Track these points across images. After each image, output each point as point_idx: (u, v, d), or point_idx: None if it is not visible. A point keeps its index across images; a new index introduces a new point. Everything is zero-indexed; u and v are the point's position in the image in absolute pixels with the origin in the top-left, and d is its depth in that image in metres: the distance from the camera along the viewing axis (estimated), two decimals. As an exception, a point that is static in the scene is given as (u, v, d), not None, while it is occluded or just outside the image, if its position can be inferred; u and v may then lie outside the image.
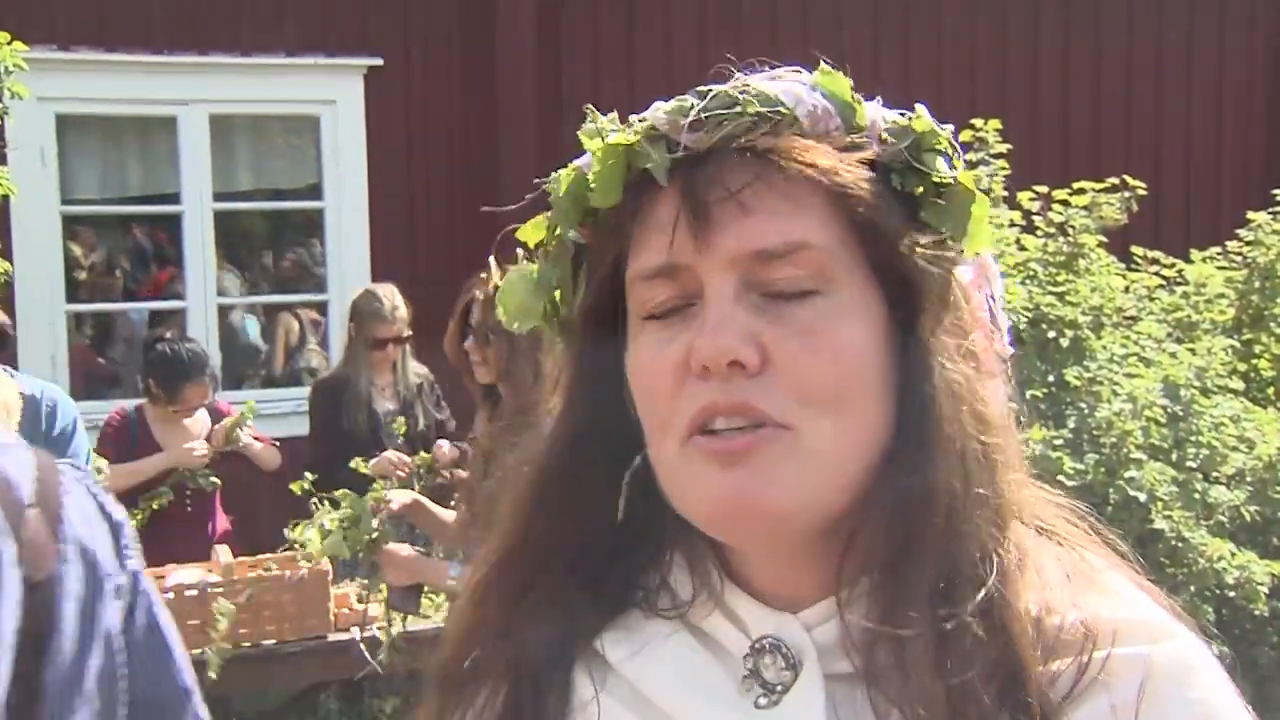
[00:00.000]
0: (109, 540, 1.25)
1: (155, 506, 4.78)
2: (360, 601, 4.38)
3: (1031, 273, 5.07)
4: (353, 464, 4.35)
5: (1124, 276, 5.37)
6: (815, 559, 0.85)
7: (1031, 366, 4.72)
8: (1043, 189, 5.29)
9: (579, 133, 0.90)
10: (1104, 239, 5.23)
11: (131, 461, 4.78)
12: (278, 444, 5.16)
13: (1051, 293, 4.98)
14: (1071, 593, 0.83)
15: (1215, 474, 4.73)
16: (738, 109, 0.85)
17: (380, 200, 6.94)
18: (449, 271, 4.50)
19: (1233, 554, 4.40)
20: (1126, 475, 4.44)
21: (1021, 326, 4.78)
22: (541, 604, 0.91)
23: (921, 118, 0.88)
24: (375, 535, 3.42)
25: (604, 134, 0.89)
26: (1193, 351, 5.11)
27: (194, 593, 4.16)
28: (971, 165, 5.12)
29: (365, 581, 4.36)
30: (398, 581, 3.43)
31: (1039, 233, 5.22)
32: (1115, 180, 5.27)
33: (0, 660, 1.10)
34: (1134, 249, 5.71)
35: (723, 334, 0.81)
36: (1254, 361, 5.58)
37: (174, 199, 6.77)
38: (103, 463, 4.34)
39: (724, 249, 0.83)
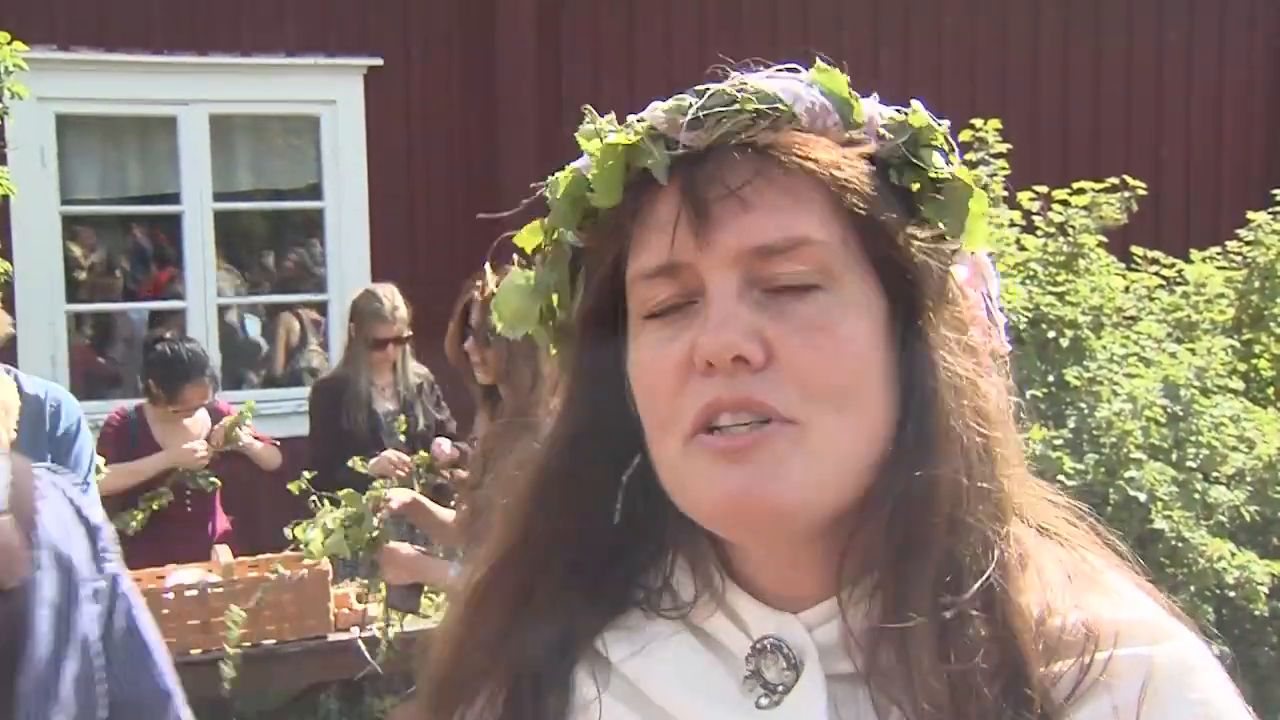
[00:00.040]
0: (86, 544, 1.25)
1: (155, 506, 4.78)
2: (360, 601, 4.38)
3: (1031, 273, 5.07)
4: (351, 463, 4.36)
5: (1124, 276, 5.37)
6: (817, 558, 0.85)
7: (1031, 366, 4.72)
8: (1043, 189, 5.29)
9: (576, 134, 0.90)
10: (1104, 239, 5.23)
11: (131, 461, 4.78)
12: (278, 443, 5.16)
13: (1051, 293, 4.98)
14: (1073, 594, 0.83)
15: (1215, 474, 4.72)
16: (736, 106, 0.85)
17: (380, 200, 6.94)
18: (449, 271, 4.50)
19: (1233, 554, 4.39)
20: (1126, 475, 4.44)
21: (1021, 326, 4.78)
22: (542, 604, 0.91)
23: (918, 113, 0.89)
24: (375, 534, 3.42)
25: (602, 135, 0.89)
26: (1193, 351, 5.11)
27: (194, 593, 4.16)
28: (971, 165, 5.13)
29: (365, 581, 4.37)
30: (398, 580, 3.43)
31: (1039, 233, 5.22)
32: (1115, 180, 5.27)
33: None
34: (1134, 249, 5.71)
35: (726, 330, 0.81)
36: (1254, 361, 5.58)
37: (174, 199, 6.77)
38: (100, 461, 4.34)
39: (725, 246, 0.83)
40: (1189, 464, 4.67)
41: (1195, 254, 5.78)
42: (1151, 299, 5.57)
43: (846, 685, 0.84)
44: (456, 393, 4.80)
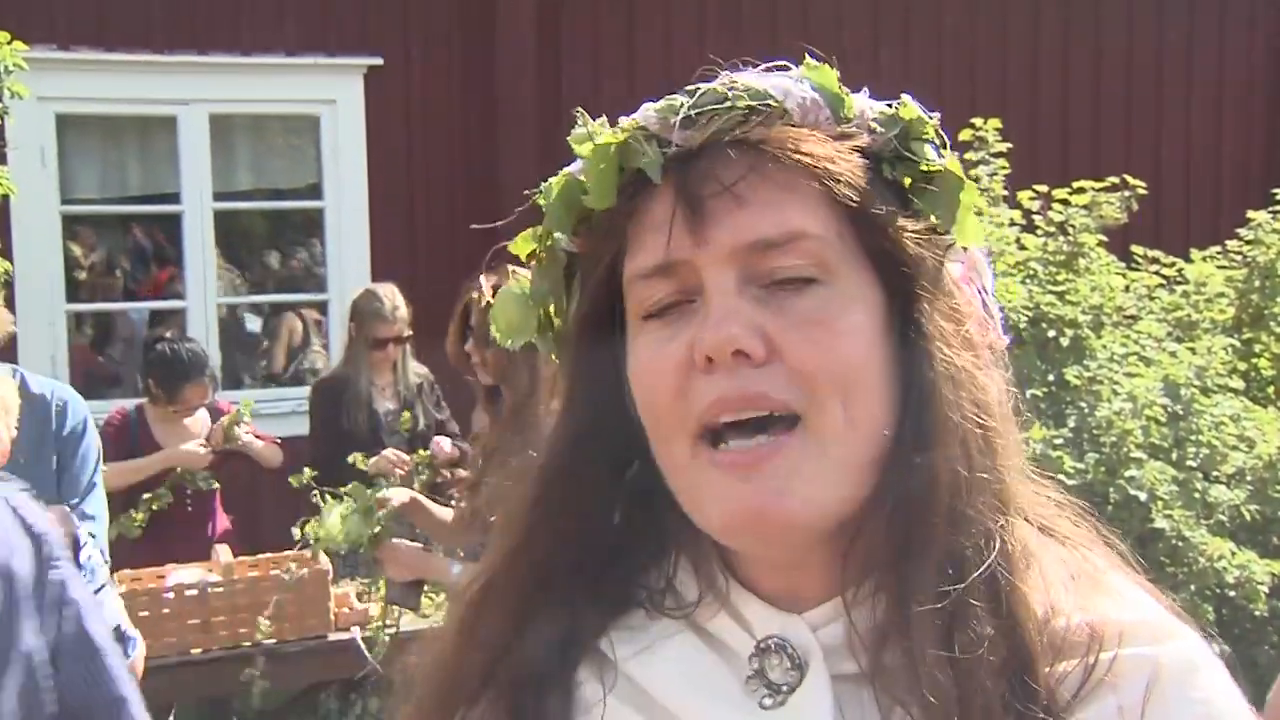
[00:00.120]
0: (30, 554, 1.24)
1: (155, 507, 4.78)
2: (360, 600, 4.38)
3: (1031, 272, 5.07)
4: (351, 459, 4.36)
5: (1124, 276, 5.37)
6: (821, 559, 0.85)
7: (1032, 366, 4.72)
8: (1043, 188, 5.29)
9: (569, 138, 0.90)
10: (1104, 238, 5.23)
11: (131, 460, 4.78)
12: (279, 442, 5.16)
13: (1051, 292, 4.98)
14: (1077, 594, 0.83)
15: (1215, 473, 4.73)
16: (728, 104, 0.85)
17: (380, 200, 6.94)
18: (449, 271, 4.50)
19: (1233, 553, 4.40)
20: (1127, 474, 4.44)
21: (1021, 326, 4.78)
22: (544, 605, 0.91)
23: (908, 106, 0.89)
24: (376, 532, 3.42)
25: (594, 138, 0.89)
26: (1193, 351, 5.11)
27: (194, 593, 4.16)
28: (971, 165, 5.13)
29: (365, 580, 4.37)
30: (399, 577, 3.43)
31: (1039, 232, 5.22)
32: (1115, 180, 5.27)
33: None
34: (1134, 248, 5.71)
35: (726, 325, 0.81)
36: (1254, 361, 5.58)
37: (174, 199, 6.76)
38: (99, 460, 4.35)
39: (722, 242, 0.83)
40: (1189, 463, 4.68)
41: (1195, 253, 5.79)
42: (1152, 298, 5.57)
43: (851, 685, 0.83)
44: (456, 393, 4.80)
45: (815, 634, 0.85)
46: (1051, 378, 4.76)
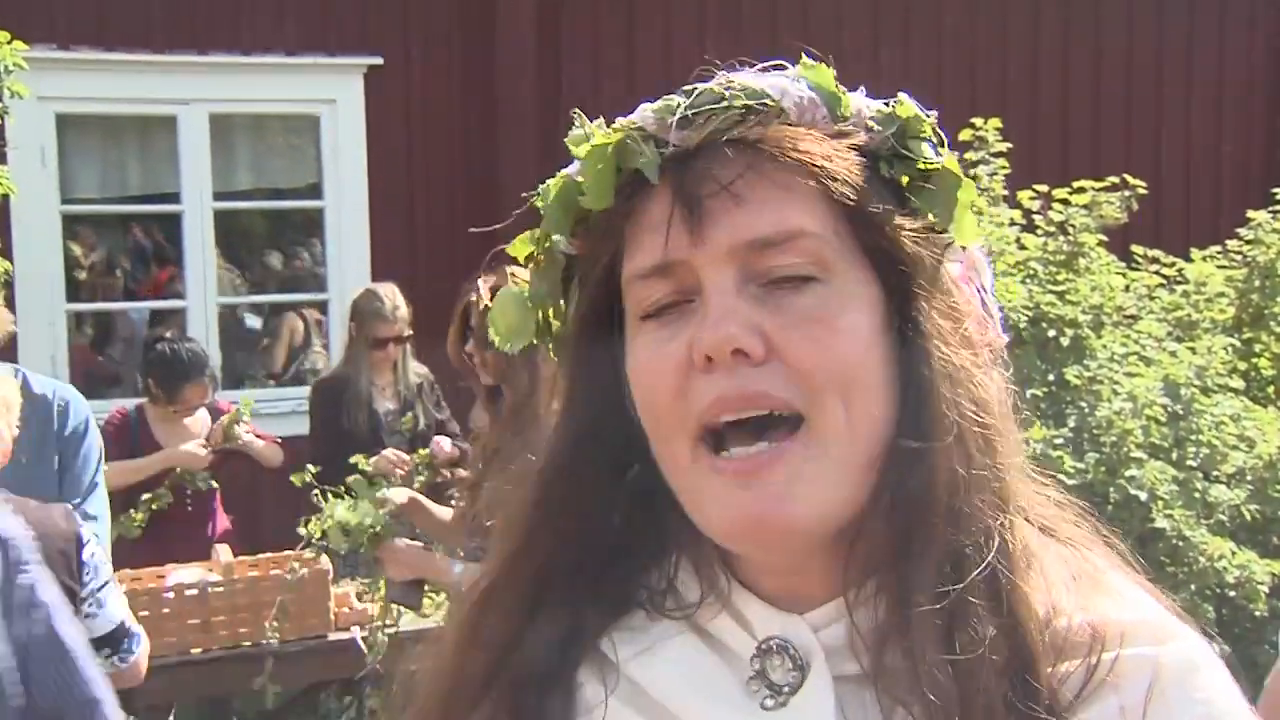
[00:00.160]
0: None
1: (155, 507, 4.78)
2: (360, 600, 4.38)
3: (1031, 272, 5.07)
4: (353, 459, 4.36)
5: (1124, 275, 5.37)
6: (822, 561, 0.85)
7: (1032, 366, 4.72)
8: (1043, 188, 5.29)
9: (566, 140, 0.90)
10: (1104, 238, 5.23)
11: (130, 459, 4.78)
12: (279, 441, 5.16)
13: (1052, 292, 4.98)
14: (1078, 594, 0.83)
15: (1215, 473, 4.73)
16: (724, 103, 0.85)
17: (380, 200, 6.94)
18: (449, 271, 4.50)
19: (1233, 553, 4.40)
20: (1127, 474, 4.45)
21: (1022, 325, 4.78)
22: (546, 608, 0.91)
23: (905, 104, 0.89)
24: (377, 531, 3.41)
25: (591, 139, 0.89)
26: (1193, 350, 5.11)
27: (194, 592, 4.16)
28: (971, 165, 5.13)
29: (366, 580, 4.37)
30: (400, 577, 3.43)
31: (1039, 232, 5.22)
32: (1115, 179, 5.27)
33: None
34: (1134, 248, 5.71)
35: (725, 323, 0.81)
36: (1254, 360, 5.58)
37: (174, 199, 6.76)
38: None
39: (720, 242, 0.83)
40: (1189, 463, 4.68)
41: (1195, 253, 5.79)
42: (1152, 298, 5.57)
43: (853, 686, 0.83)
44: (456, 393, 4.80)
45: (817, 635, 0.85)
46: (1051, 378, 4.77)
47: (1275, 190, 5.93)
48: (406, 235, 6.95)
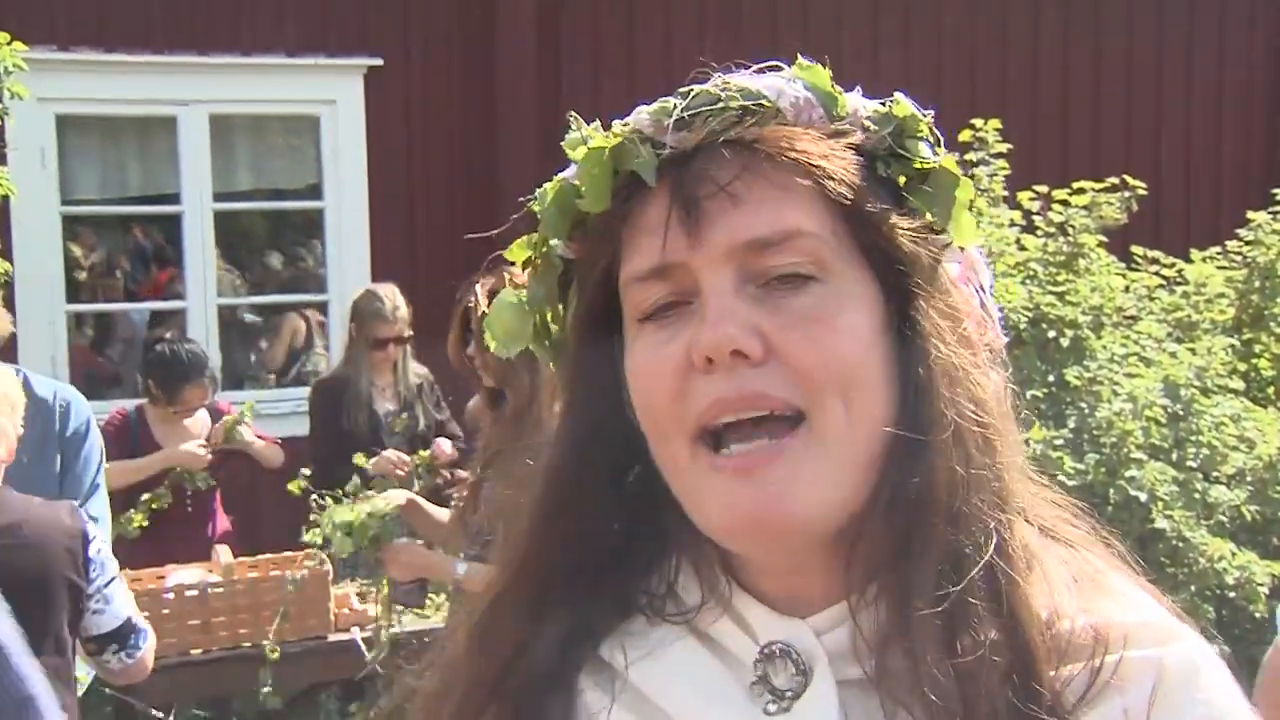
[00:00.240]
0: None
1: (155, 506, 4.78)
2: (362, 601, 4.38)
3: (1031, 272, 5.07)
4: (355, 459, 4.36)
5: (1124, 276, 5.37)
6: (823, 563, 0.85)
7: (1031, 366, 4.72)
8: (1043, 189, 5.29)
9: (563, 144, 0.90)
10: (1104, 239, 5.23)
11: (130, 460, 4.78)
12: (279, 442, 5.16)
13: (1051, 292, 4.98)
14: (1080, 596, 0.83)
15: (1215, 474, 4.73)
16: (720, 105, 0.85)
17: (380, 200, 6.94)
18: (449, 272, 4.49)
19: (1233, 554, 4.40)
20: (1127, 475, 4.45)
21: (1021, 326, 4.78)
22: (548, 614, 0.91)
23: (901, 104, 0.89)
24: (378, 533, 3.41)
25: (588, 141, 0.89)
26: (1193, 351, 5.12)
27: (194, 593, 4.16)
28: (971, 165, 5.13)
29: (366, 582, 4.37)
30: (403, 578, 3.43)
31: (1039, 232, 5.23)
32: (1115, 180, 5.27)
33: None
34: (1134, 249, 5.71)
35: (724, 324, 0.80)
36: (1254, 361, 5.58)
37: (174, 199, 6.76)
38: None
39: (717, 243, 0.83)
40: (1189, 464, 4.68)
41: (1195, 254, 5.79)
42: (1152, 299, 5.57)
43: (856, 691, 0.83)
44: (456, 393, 4.80)
45: (820, 639, 0.85)
46: (1051, 378, 4.77)
47: (1275, 191, 5.93)
48: (406, 236, 6.95)
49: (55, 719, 1.36)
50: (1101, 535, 0.90)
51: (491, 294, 2.98)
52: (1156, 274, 5.67)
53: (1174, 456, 4.67)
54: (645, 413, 0.86)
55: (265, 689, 3.99)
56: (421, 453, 4.72)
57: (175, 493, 4.83)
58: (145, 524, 4.72)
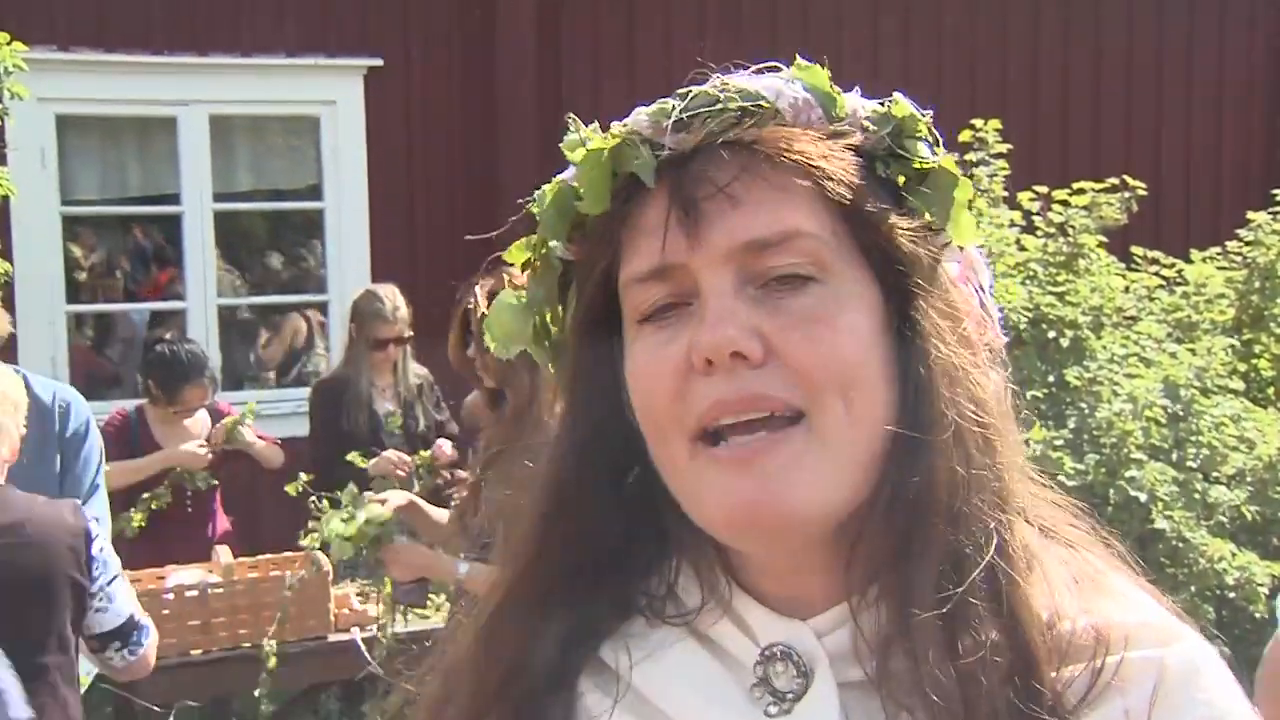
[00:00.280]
0: None
1: (155, 506, 4.78)
2: (362, 601, 4.38)
3: (1031, 273, 5.07)
4: (350, 457, 4.35)
5: (1124, 276, 5.38)
6: (823, 563, 0.85)
7: (1031, 366, 4.72)
8: (1043, 189, 5.29)
9: (561, 145, 0.90)
10: (1104, 239, 5.23)
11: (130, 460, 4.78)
12: (279, 443, 5.16)
13: (1051, 293, 4.98)
14: (1080, 597, 0.83)
15: (1215, 474, 4.73)
16: (719, 106, 0.85)
17: (380, 200, 6.94)
18: (449, 272, 4.49)
19: (1233, 554, 4.40)
20: (1127, 475, 4.45)
21: (1021, 326, 4.78)
22: (549, 617, 0.91)
23: (900, 103, 0.88)
24: (378, 534, 3.41)
25: (587, 143, 0.89)
26: (1193, 351, 5.12)
27: (194, 593, 4.16)
28: (971, 165, 5.13)
29: (367, 582, 4.37)
30: (404, 578, 3.43)
31: (1039, 233, 5.23)
32: (1115, 180, 5.27)
33: None
34: (1134, 249, 5.71)
35: (724, 325, 0.80)
36: (1254, 361, 5.58)
37: (174, 199, 6.76)
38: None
39: (717, 244, 0.83)
40: (1189, 464, 4.68)
41: (1195, 254, 5.79)
42: (1151, 299, 5.57)
43: (857, 692, 0.83)
44: (456, 394, 4.80)
45: (821, 640, 0.85)
46: (1051, 379, 4.77)
47: (1275, 191, 5.93)
48: (406, 236, 6.95)
49: (19, 713, 1.35)
50: (1101, 536, 0.90)
51: (491, 295, 2.98)
52: (1156, 274, 5.67)
53: (1174, 457, 4.67)
54: (645, 414, 0.86)
55: (260, 694, 3.98)
56: (422, 453, 4.72)
57: (175, 493, 4.83)
58: (144, 524, 4.72)
